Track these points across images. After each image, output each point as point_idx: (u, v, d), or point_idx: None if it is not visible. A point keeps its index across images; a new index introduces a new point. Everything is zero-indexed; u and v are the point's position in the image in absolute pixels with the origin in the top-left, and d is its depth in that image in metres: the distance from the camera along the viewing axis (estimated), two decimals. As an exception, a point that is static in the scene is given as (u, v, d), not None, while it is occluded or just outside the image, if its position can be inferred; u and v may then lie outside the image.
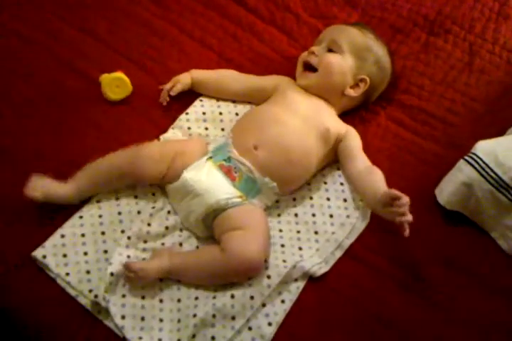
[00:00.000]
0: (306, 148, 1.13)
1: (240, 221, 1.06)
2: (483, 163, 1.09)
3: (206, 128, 1.24)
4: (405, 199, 1.02)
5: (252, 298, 1.03)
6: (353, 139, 1.19)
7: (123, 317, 1.01)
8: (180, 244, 1.10)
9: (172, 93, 1.23)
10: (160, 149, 1.13)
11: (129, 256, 1.06)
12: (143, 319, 1.02)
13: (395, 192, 1.03)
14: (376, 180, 1.12)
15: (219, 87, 1.26)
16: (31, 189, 1.08)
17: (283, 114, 1.15)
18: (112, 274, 1.03)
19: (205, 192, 1.08)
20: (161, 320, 1.03)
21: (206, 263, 1.04)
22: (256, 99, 1.26)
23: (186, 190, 1.09)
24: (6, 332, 1.05)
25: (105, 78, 1.24)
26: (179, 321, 1.02)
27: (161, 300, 1.05)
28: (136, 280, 1.03)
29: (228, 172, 1.11)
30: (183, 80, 1.24)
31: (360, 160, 1.17)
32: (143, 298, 1.04)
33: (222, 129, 1.24)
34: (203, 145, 1.16)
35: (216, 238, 1.08)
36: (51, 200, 1.09)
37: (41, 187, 1.08)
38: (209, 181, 1.09)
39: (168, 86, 1.24)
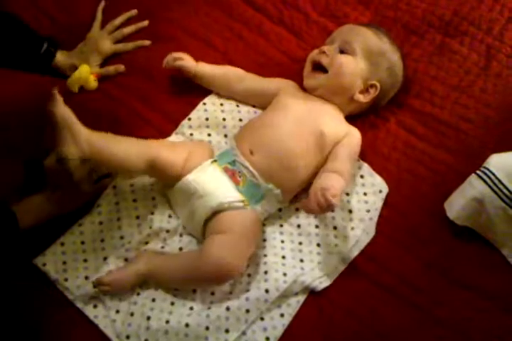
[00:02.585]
0: (299, 152, 1.09)
1: (229, 225, 1.04)
2: (496, 178, 1.04)
3: (209, 135, 1.20)
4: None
5: (247, 311, 1.02)
6: (347, 144, 1.13)
7: (117, 311, 1.04)
8: (180, 249, 1.09)
9: (169, 64, 1.21)
10: (177, 143, 1.14)
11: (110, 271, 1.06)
12: (132, 314, 1.03)
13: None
14: (332, 179, 1.06)
15: (222, 84, 1.23)
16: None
17: (275, 117, 1.12)
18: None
19: (208, 193, 1.06)
20: (148, 318, 1.02)
21: (183, 265, 1.03)
22: (258, 101, 1.23)
23: (189, 192, 1.07)
24: (5, 335, 1.06)
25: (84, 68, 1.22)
26: (167, 322, 1.01)
27: (153, 300, 1.04)
28: (112, 292, 1.03)
29: (232, 175, 1.09)
30: (187, 61, 1.21)
31: (336, 165, 1.09)
32: (138, 294, 1.05)
33: (225, 136, 1.20)
34: (211, 149, 1.15)
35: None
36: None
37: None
38: (212, 183, 1.07)
39: (174, 55, 1.21)
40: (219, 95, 1.24)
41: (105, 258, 1.08)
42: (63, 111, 0.98)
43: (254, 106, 1.24)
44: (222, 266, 0.99)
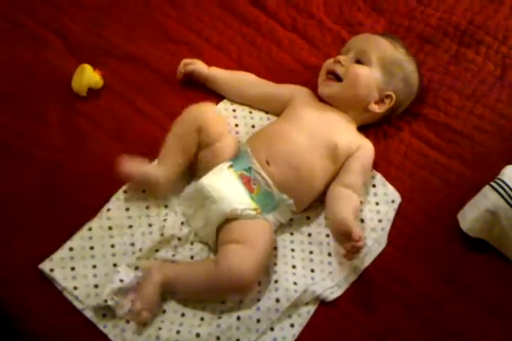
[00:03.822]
0: (313, 166, 1.09)
1: (243, 234, 1.03)
2: (510, 189, 1.03)
3: (221, 141, 1.20)
4: (359, 244, 1.01)
5: (258, 321, 1.01)
6: (360, 156, 1.13)
7: (127, 321, 1.01)
8: (192, 257, 1.08)
9: (182, 71, 1.22)
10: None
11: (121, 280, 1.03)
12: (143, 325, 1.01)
13: (355, 231, 1.01)
14: (347, 203, 1.08)
15: (234, 89, 1.23)
16: (129, 166, 1.08)
17: (291, 130, 1.11)
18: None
19: (221, 199, 1.05)
20: (158, 328, 1.01)
21: (198, 275, 1.02)
22: (271, 106, 1.22)
23: (203, 197, 1.06)
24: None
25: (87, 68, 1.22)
26: (178, 332, 1.00)
27: (164, 311, 1.03)
28: (152, 316, 1.01)
29: (247, 182, 1.08)
30: (200, 64, 1.23)
31: (349, 178, 1.11)
32: None
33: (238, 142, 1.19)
34: (236, 148, 1.14)
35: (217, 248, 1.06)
36: (146, 180, 1.10)
37: (138, 166, 1.09)
38: (227, 189, 1.07)
39: (186, 60, 1.22)
40: (232, 101, 1.24)
41: (115, 265, 1.06)
42: None
43: (267, 113, 1.24)
44: (238, 278, 0.98)
